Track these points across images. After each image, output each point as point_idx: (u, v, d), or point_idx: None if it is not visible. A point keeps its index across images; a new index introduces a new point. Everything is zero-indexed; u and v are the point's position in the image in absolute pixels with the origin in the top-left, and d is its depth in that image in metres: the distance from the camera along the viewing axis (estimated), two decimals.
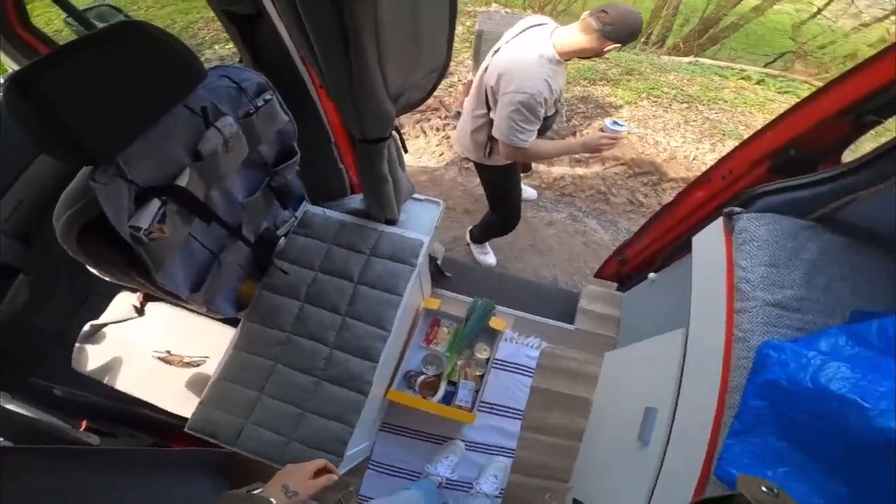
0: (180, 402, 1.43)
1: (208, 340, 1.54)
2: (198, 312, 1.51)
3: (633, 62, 3.75)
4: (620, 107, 3.29)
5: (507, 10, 4.20)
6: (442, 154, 2.83)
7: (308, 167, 1.64)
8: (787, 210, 1.24)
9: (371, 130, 1.22)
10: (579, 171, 2.87)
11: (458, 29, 3.90)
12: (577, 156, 2.88)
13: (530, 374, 1.84)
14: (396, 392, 1.63)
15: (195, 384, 1.44)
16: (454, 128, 2.96)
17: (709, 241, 1.36)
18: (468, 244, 2.44)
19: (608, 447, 1.59)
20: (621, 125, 1.64)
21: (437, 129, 2.98)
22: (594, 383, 1.85)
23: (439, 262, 1.90)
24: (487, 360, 1.73)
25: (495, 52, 1.69)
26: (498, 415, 1.79)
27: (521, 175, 2.49)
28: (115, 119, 0.83)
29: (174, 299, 1.17)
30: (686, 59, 4.16)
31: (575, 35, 1.53)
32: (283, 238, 1.50)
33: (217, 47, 3.69)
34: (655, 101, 3.38)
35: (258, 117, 1.15)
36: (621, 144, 3.01)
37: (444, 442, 1.75)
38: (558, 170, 2.84)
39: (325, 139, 1.59)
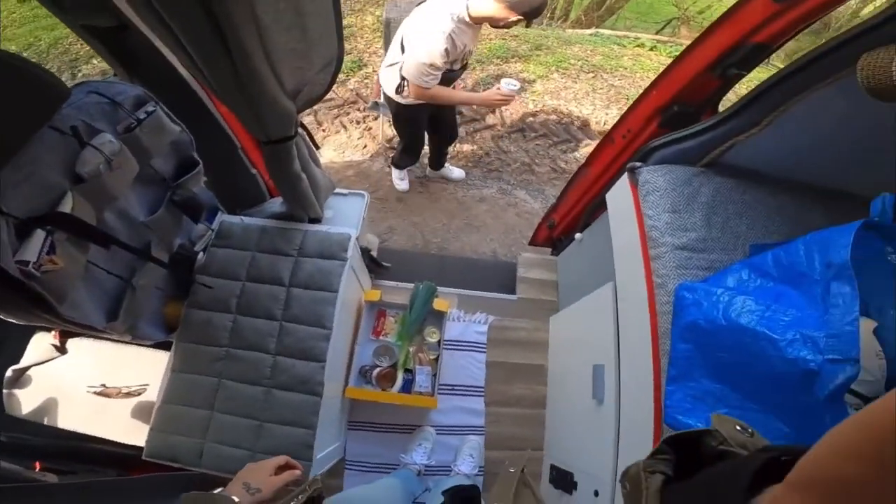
0: (131, 433, 1.37)
1: (143, 368, 1.46)
2: (125, 342, 1.42)
3: (540, 37, 3.86)
4: (533, 81, 3.40)
5: None
6: (366, 146, 2.78)
7: (218, 177, 1.57)
8: (678, 160, 1.35)
9: (274, 131, 1.19)
10: (504, 145, 2.94)
11: (368, 19, 3.81)
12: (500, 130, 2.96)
13: (483, 350, 1.89)
14: (354, 388, 1.61)
15: (141, 413, 1.38)
16: (375, 118, 2.92)
17: (619, 196, 1.45)
18: (389, 169, 2.62)
19: (570, 410, 1.65)
20: (514, 85, 1.90)
21: (357, 122, 2.92)
22: (546, 349, 1.92)
23: (374, 253, 1.88)
24: (439, 342, 1.75)
25: (419, 2, 1.87)
26: (461, 395, 1.83)
27: (447, 153, 2.53)
28: None
29: (92, 332, 1.10)
30: (588, 32, 4.35)
31: (487, 1, 1.69)
32: (201, 253, 1.42)
33: (95, 62, 3.35)
34: (564, 73, 3.52)
35: (143, 130, 1.09)
36: (541, 116, 3.13)
37: (414, 430, 1.76)
38: (482, 146, 2.90)
39: (230, 146, 1.51)
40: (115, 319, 1.12)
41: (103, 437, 1.38)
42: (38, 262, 0.84)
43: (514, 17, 1.69)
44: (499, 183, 2.75)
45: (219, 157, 1.51)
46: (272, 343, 1.30)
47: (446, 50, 1.73)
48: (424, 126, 2.24)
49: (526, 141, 2.97)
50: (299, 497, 0.64)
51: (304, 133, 1.41)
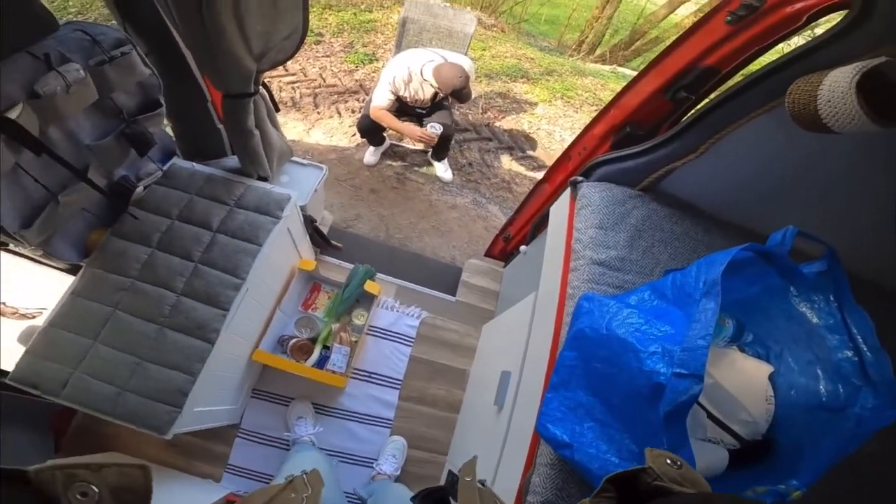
0: (9, 356, 1.31)
1: (47, 292, 1.43)
2: (41, 262, 1.44)
3: (555, 64, 3.97)
4: (536, 104, 3.48)
5: (446, 4, 4.34)
6: (354, 135, 2.85)
7: (185, 125, 1.66)
8: (619, 179, 1.38)
9: (233, 86, 1.28)
10: (489, 160, 3.00)
11: (394, 17, 3.96)
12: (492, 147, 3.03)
13: (410, 344, 1.88)
14: (264, 353, 1.60)
15: (26, 336, 1.34)
16: None
17: (560, 209, 1.47)
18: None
19: (476, 416, 1.64)
20: (437, 128, 2.49)
21: (353, 112, 3.00)
22: (473, 355, 1.92)
23: (324, 229, 1.91)
24: (364, 325, 1.76)
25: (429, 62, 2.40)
26: (376, 384, 1.81)
27: (447, 146, 2.73)
28: None
29: (6, 237, 1.13)
30: (607, 68, 4.45)
31: (431, 76, 2.32)
32: (141, 188, 1.46)
33: (80, 17, 3.56)
34: (568, 102, 3.60)
35: (112, 67, 1.18)
36: (532, 141, 3.21)
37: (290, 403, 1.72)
38: (468, 156, 2.96)
39: (201, 99, 1.59)
40: (29, 227, 1.14)
41: None
42: None
43: (445, 93, 2.34)
44: (475, 194, 2.79)
45: (189, 107, 1.61)
46: (181, 282, 1.30)
47: (392, 86, 2.39)
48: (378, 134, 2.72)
49: (511, 160, 3.02)
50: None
51: (265, 93, 1.49)
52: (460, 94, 2.33)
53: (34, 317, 1.41)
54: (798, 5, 1.02)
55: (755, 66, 1.12)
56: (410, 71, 2.35)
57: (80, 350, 1.21)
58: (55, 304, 1.28)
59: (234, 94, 1.32)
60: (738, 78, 1.15)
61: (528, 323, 1.38)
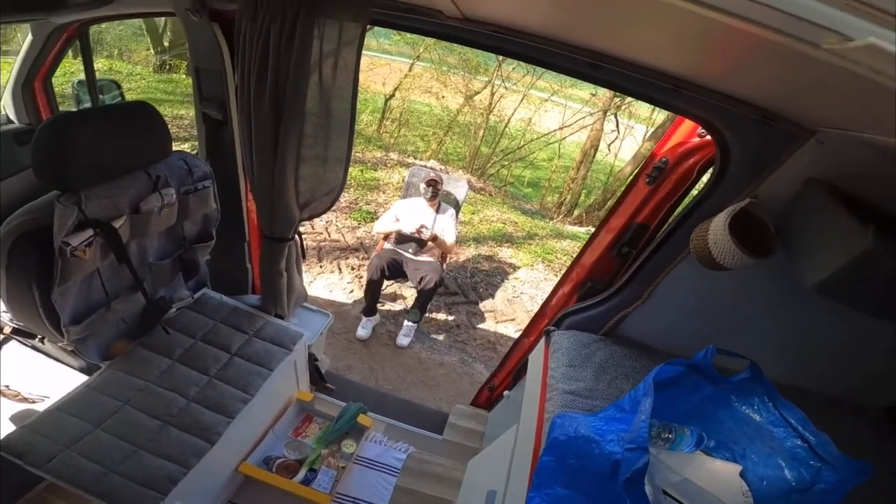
0: None
1: (51, 382, 1.64)
2: (51, 356, 1.67)
3: (536, 228, 4.76)
4: (519, 268, 4.11)
5: (442, 167, 5.42)
6: (352, 291, 3.33)
7: (220, 258, 2.03)
8: (584, 327, 1.77)
9: (277, 229, 1.71)
10: (475, 323, 3.45)
11: (395, 177, 4.94)
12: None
13: (396, 474, 2.02)
14: (250, 465, 1.70)
15: (20, 418, 1.48)
16: None
17: (537, 354, 1.83)
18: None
19: None
20: (429, 230, 3.03)
21: (353, 268, 3.55)
22: (458, 487, 2.02)
23: (322, 367, 2.19)
24: (353, 454, 1.92)
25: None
26: None
27: (421, 310, 3.06)
28: (98, 166, 1.25)
29: (44, 331, 1.32)
30: (583, 229, 5.27)
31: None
32: (174, 309, 1.77)
33: (175, 145, 4.32)
34: (548, 266, 4.26)
35: (194, 197, 1.58)
36: (515, 304, 3.72)
37: None
38: (456, 318, 3.40)
39: (241, 237, 2.04)
40: (77, 324, 1.36)
41: None
42: (75, 248, 1.23)
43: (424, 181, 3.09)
44: (461, 354, 3.15)
45: (229, 243, 2.00)
46: (193, 391, 1.52)
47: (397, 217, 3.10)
48: (381, 275, 3.01)
49: (496, 322, 3.48)
50: None
51: (299, 241, 1.94)
52: (436, 188, 3.01)
53: (34, 402, 1.58)
54: (690, 161, 1.53)
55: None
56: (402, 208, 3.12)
57: (79, 432, 1.31)
58: (65, 393, 1.42)
59: (276, 237, 1.73)
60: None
61: (511, 448, 1.61)
